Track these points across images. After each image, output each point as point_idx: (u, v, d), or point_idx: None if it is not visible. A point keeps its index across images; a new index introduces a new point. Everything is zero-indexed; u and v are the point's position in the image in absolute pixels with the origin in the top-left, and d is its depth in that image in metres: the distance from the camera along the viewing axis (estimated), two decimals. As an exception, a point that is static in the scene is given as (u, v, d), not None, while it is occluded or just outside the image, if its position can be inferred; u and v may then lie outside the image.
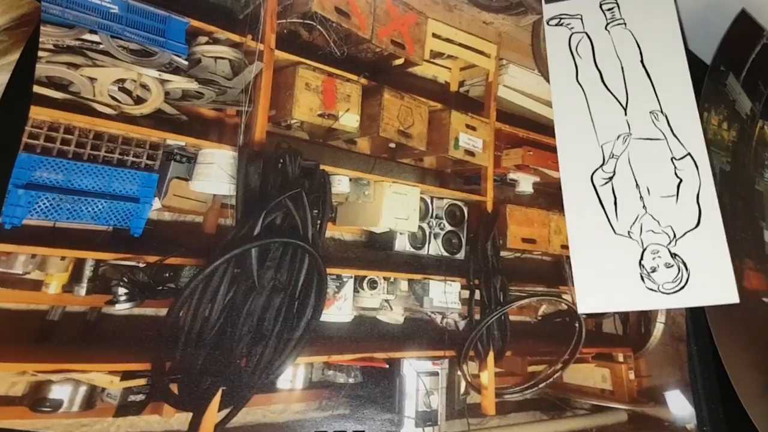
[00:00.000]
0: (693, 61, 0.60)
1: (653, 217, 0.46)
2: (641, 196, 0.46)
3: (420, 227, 0.52)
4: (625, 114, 0.49)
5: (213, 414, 0.44)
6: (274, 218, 0.49)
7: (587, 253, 0.45)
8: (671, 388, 0.49)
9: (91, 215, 0.47)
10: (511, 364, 0.49)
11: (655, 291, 0.44)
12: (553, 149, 0.55)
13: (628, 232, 0.46)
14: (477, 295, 0.50)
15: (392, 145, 0.53)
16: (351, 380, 0.47)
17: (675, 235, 0.45)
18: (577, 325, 0.51)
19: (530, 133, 0.55)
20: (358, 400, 0.46)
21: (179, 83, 0.52)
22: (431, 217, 0.52)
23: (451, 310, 0.49)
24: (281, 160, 0.50)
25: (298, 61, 0.52)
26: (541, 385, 0.49)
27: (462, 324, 0.49)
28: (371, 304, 0.49)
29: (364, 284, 0.49)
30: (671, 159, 0.47)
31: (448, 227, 0.52)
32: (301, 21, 0.53)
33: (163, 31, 0.52)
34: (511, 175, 0.54)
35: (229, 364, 0.45)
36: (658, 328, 0.51)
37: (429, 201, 0.52)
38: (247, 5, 0.52)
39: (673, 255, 0.45)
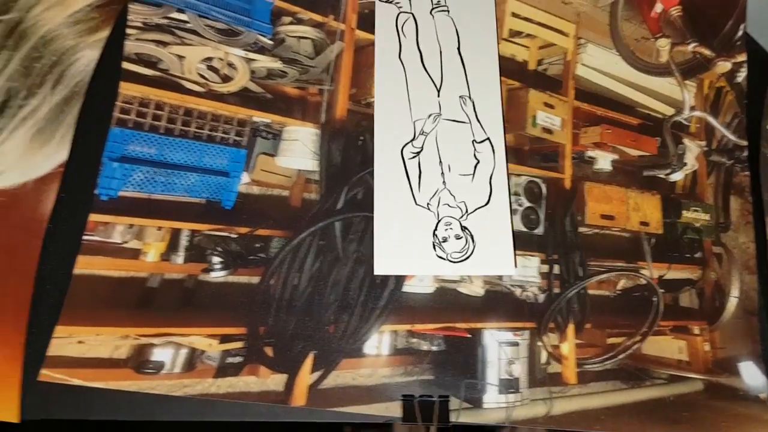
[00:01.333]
0: (756, 48, 0.60)
1: (450, 192, 0.49)
2: (442, 172, 0.49)
3: (499, 202, 0.53)
4: (438, 95, 0.51)
5: (306, 376, 0.46)
6: (356, 193, 0.51)
7: (389, 219, 0.48)
8: (744, 360, 0.50)
9: (184, 188, 0.50)
10: (590, 336, 0.50)
11: (444, 259, 0.47)
12: (631, 128, 0.56)
13: (427, 204, 0.49)
14: (556, 269, 0.52)
15: (470, 123, 0.54)
16: (434, 348, 0.48)
17: (467, 210, 0.48)
18: (655, 299, 0.52)
19: (609, 111, 0.56)
20: (442, 367, 0.48)
21: (264, 62, 0.53)
22: (510, 193, 0.53)
23: (530, 284, 0.51)
24: (361, 138, 0.52)
25: (377, 41, 0.54)
26: (620, 356, 0.50)
27: (542, 297, 0.51)
28: (451, 276, 0.50)
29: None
30: (472, 141, 0.50)
31: (527, 203, 0.53)
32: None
33: (249, 11, 0.54)
34: (590, 153, 0.55)
35: (318, 330, 0.47)
36: (732, 302, 0.52)
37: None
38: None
39: (464, 228, 0.48)
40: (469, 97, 0.51)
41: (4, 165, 0.47)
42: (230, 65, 0.53)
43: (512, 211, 0.52)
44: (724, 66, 0.57)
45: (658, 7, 0.57)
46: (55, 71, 0.50)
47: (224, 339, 0.47)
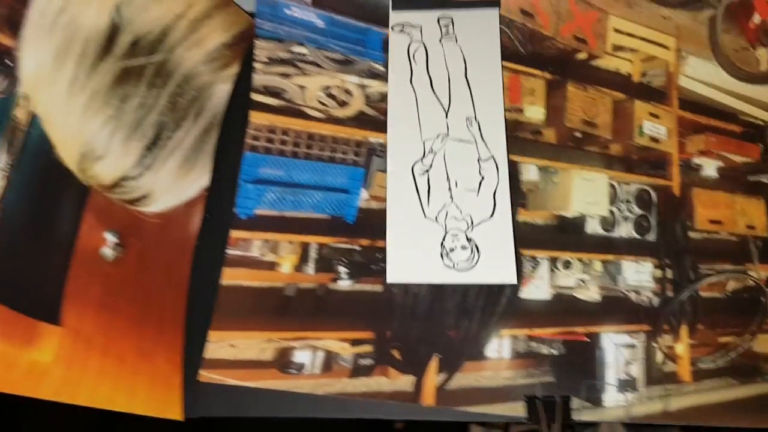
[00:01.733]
0: None
1: (457, 206, 0.51)
2: (450, 188, 0.52)
3: (610, 211, 0.55)
4: (446, 117, 0.54)
5: (432, 377, 0.49)
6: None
7: (401, 231, 0.51)
8: None
9: (310, 205, 0.54)
10: (703, 336, 0.52)
11: (450, 268, 0.50)
12: (735, 135, 0.58)
13: (436, 217, 0.51)
14: (669, 273, 0.53)
15: (578, 134, 0.57)
16: (554, 351, 0.51)
17: (472, 223, 0.51)
18: (763, 299, 0.53)
19: (712, 120, 0.58)
20: (562, 370, 0.50)
21: (377, 87, 0.57)
22: (620, 201, 0.55)
23: (644, 288, 0.53)
24: (466, 152, 0.55)
25: (485, 62, 0.57)
26: (732, 355, 0.51)
27: (656, 300, 0.53)
28: (567, 283, 0.53)
29: (559, 264, 0.53)
30: (477, 159, 0.53)
31: (638, 210, 0.55)
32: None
33: (363, 42, 0.58)
34: (696, 160, 0.57)
35: (440, 334, 0.51)
36: None
37: (617, 186, 0.56)
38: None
39: (469, 239, 0.50)
40: (475, 119, 0.54)
41: (159, 191, 0.52)
42: (346, 92, 0.57)
43: (623, 218, 0.55)
44: (827, 73, 0.58)
45: (756, 18, 0.58)
46: (196, 105, 0.56)
47: (355, 342, 0.50)
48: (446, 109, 0.55)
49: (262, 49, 0.57)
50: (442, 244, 0.51)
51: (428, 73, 0.56)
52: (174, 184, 0.54)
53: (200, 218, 0.54)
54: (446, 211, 0.52)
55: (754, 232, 0.56)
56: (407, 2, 0.57)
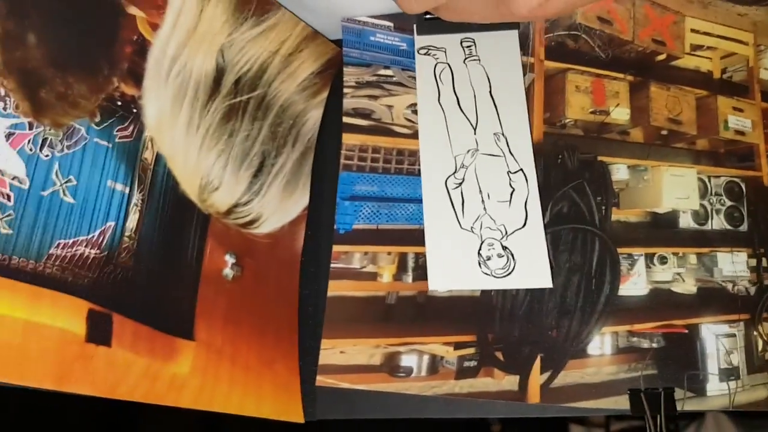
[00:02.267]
0: None
1: (491, 217, 0.53)
2: (483, 200, 0.53)
3: (701, 205, 0.56)
4: (475, 133, 0.55)
5: (536, 376, 0.51)
6: (561, 207, 0.56)
7: (439, 242, 0.53)
8: None
9: (404, 217, 0.57)
10: (807, 324, 0.52)
11: (489, 275, 0.51)
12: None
13: (471, 227, 0.52)
14: (764, 262, 0.53)
15: (664, 132, 0.58)
16: (654, 345, 0.52)
17: (506, 232, 0.52)
18: None
19: (796, 109, 0.58)
20: (664, 362, 0.51)
21: (460, 101, 0.60)
22: (710, 194, 0.56)
23: (740, 278, 0.53)
24: (560, 156, 0.57)
25: (567, 68, 0.59)
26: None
27: (753, 290, 0.53)
28: (664, 278, 0.54)
29: (655, 260, 0.54)
30: (507, 172, 0.54)
31: (729, 202, 0.56)
32: (567, 33, 0.60)
33: (444, 59, 0.61)
34: (785, 150, 0.57)
35: (541, 334, 0.52)
36: None
37: (706, 180, 0.56)
38: (518, 27, 0.60)
39: (504, 248, 0.51)
40: (503, 134, 0.56)
41: (267, 213, 0.57)
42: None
43: (715, 211, 0.55)
44: None
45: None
46: (293, 132, 0.60)
47: (458, 346, 0.53)
48: (474, 126, 0.57)
49: (351, 75, 0.61)
50: (479, 252, 0.53)
51: (455, 92, 0.58)
52: (279, 207, 0.58)
53: (304, 236, 0.58)
54: (481, 222, 0.54)
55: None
56: (431, 27, 0.60)
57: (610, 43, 0.59)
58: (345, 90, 0.61)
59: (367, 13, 0.61)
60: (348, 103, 0.60)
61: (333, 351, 0.53)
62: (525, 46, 0.60)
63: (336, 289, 0.55)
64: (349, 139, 0.59)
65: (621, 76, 0.59)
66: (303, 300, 0.56)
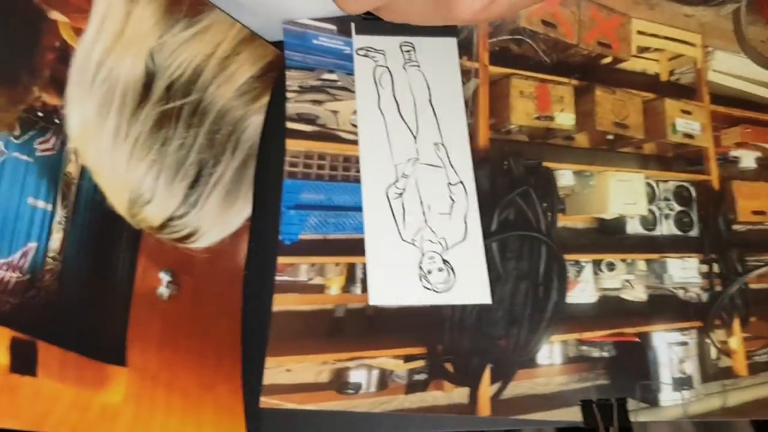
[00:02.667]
0: None
1: (431, 230, 0.51)
2: (423, 212, 0.52)
3: (649, 210, 0.55)
4: (415, 142, 0.54)
5: (486, 388, 0.50)
6: (507, 214, 0.54)
7: (379, 254, 0.51)
8: None
9: (353, 226, 0.55)
10: (757, 328, 0.52)
11: (429, 289, 0.50)
12: (769, 124, 0.58)
13: (412, 239, 0.51)
14: (715, 268, 0.53)
15: (610, 136, 0.57)
16: (606, 354, 0.51)
17: (447, 246, 0.51)
18: (818, 287, 0.53)
19: (745, 111, 0.58)
20: (616, 372, 0.51)
21: (407, 105, 0.58)
22: (659, 199, 0.56)
23: (691, 284, 0.53)
24: (506, 162, 0.56)
25: (511, 73, 0.58)
26: (789, 346, 0.51)
27: (705, 296, 0.53)
28: (612, 285, 0.53)
29: (603, 267, 0.54)
30: (448, 184, 0.52)
31: (678, 207, 0.56)
32: (511, 37, 0.59)
33: (390, 62, 0.59)
34: (733, 153, 0.57)
35: (491, 344, 0.51)
36: None
37: (655, 184, 0.56)
38: (461, 31, 0.58)
39: (445, 261, 0.50)
40: (442, 144, 0.55)
41: (205, 226, 0.54)
42: (378, 113, 0.58)
43: (664, 216, 0.55)
44: None
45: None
46: (232, 139, 0.57)
47: (408, 359, 0.51)
48: (415, 134, 0.55)
49: (294, 79, 0.58)
50: (419, 266, 0.52)
51: (395, 97, 0.56)
52: (219, 218, 0.55)
53: (246, 248, 0.56)
54: (422, 234, 0.52)
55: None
56: (370, 28, 0.58)
57: (555, 47, 0.58)
58: (288, 95, 0.58)
59: (308, 15, 0.59)
60: (291, 108, 0.58)
61: (278, 369, 0.50)
62: (469, 51, 0.58)
63: (281, 303, 0.52)
64: (293, 145, 0.57)
65: (566, 80, 0.58)
66: (246, 317, 0.54)
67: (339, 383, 0.51)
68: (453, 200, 0.54)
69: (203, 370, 0.50)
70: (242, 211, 0.57)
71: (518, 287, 0.53)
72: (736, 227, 0.55)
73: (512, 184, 0.55)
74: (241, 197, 0.57)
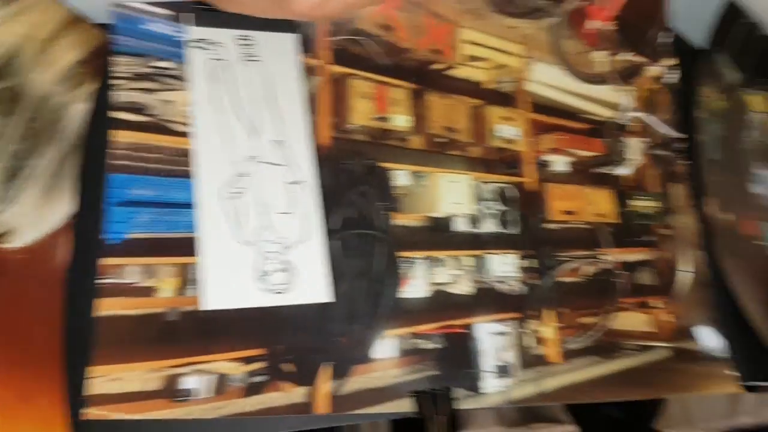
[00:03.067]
0: (685, 45, 0.69)
1: (271, 230, 0.53)
2: (263, 211, 0.53)
3: (475, 209, 0.59)
4: (255, 139, 0.55)
5: (325, 385, 0.51)
6: (347, 213, 0.56)
7: (215, 257, 0.51)
8: (701, 325, 0.58)
9: (187, 224, 0.53)
10: (567, 318, 0.57)
11: (268, 291, 0.51)
12: (581, 132, 0.64)
13: (251, 241, 0.52)
14: (531, 263, 0.58)
15: (441, 139, 0.60)
16: (436, 346, 0.54)
17: (287, 246, 0.52)
18: (617, 280, 0.59)
19: (559, 119, 0.63)
20: (444, 362, 0.54)
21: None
22: (483, 199, 0.59)
23: (510, 278, 0.57)
24: (346, 162, 0.57)
25: (351, 73, 0.59)
26: (594, 334, 0.57)
27: (522, 289, 0.57)
28: (442, 279, 0.56)
29: (433, 263, 0.56)
30: (288, 182, 0.54)
31: (499, 207, 0.60)
32: (350, 38, 0.59)
33: (227, 55, 0.57)
34: (547, 157, 0.62)
35: (330, 342, 0.52)
36: (684, 276, 0.60)
37: (479, 186, 0.60)
38: (301, 27, 0.58)
39: (284, 262, 0.52)
40: (283, 142, 0.55)
41: (22, 224, 0.49)
42: (214, 106, 0.56)
43: (487, 215, 0.59)
44: (655, 70, 0.65)
45: (593, 23, 0.64)
46: (53, 129, 0.53)
47: (247, 361, 0.51)
48: (254, 132, 0.55)
49: (121, 65, 0.55)
50: (258, 267, 0.52)
51: (232, 93, 0.56)
52: (37, 216, 0.51)
53: (69, 248, 0.51)
54: (260, 235, 0.53)
55: (603, 219, 0.62)
56: (207, 19, 0.56)
57: (392, 50, 0.60)
58: (115, 82, 0.55)
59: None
60: (118, 96, 0.54)
61: (104, 379, 0.47)
62: (310, 50, 0.59)
63: (107, 308, 0.49)
64: (122, 136, 0.53)
65: (402, 83, 0.60)
66: (68, 323, 0.50)
67: (171, 390, 0.49)
68: (293, 199, 0.54)
69: (22, 381, 0.46)
70: (64, 207, 0.53)
71: (357, 285, 0.54)
72: (549, 225, 0.60)
73: (352, 183, 0.56)
74: (64, 192, 0.53)
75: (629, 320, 0.58)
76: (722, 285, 0.60)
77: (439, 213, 0.58)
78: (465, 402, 0.53)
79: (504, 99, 0.63)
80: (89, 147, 0.55)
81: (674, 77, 0.65)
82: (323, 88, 0.58)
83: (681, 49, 0.67)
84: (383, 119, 0.59)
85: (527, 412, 0.70)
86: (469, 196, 0.59)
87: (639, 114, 0.65)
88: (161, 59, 0.56)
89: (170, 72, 0.56)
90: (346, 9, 0.44)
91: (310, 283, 0.52)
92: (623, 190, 0.64)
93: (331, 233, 0.54)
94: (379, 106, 0.59)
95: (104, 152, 0.53)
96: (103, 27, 0.57)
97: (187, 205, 0.53)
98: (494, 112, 0.62)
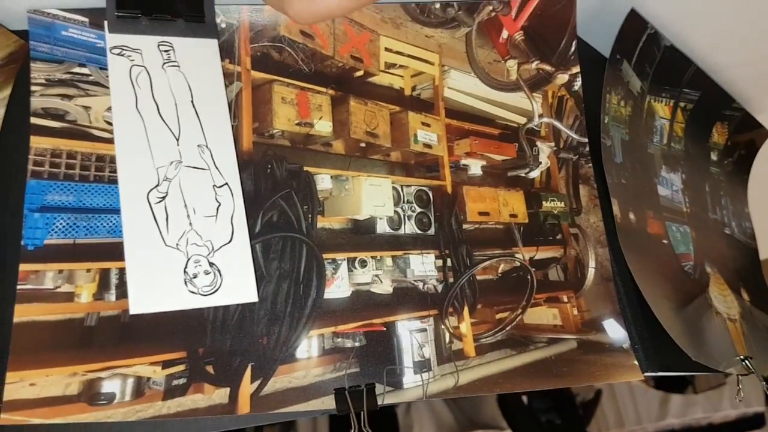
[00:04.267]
0: (592, 53, 0.73)
1: (197, 233, 0.54)
2: (188, 215, 0.54)
3: (395, 211, 0.61)
4: (178, 144, 0.55)
5: (247, 386, 0.52)
6: (271, 216, 0.57)
7: (140, 260, 0.52)
8: (607, 318, 0.62)
9: (107, 230, 0.53)
10: (482, 314, 0.60)
11: (195, 293, 0.52)
12: (494, 137, 0.67)
13: (177, 244, 0.53)
14: (449, 262, 0.61)
15: (363, 144, 0.62)
16: (357, 344, 0.56)
17: (213, 248, 0.54)
18: (529, 277, 0.62)
19: (474, 125, 0.66)
20: (365, 359, 0.55)
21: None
22: (403, 202, 0.62)
23: (429, 277, 0.59)
24: (269, 166, 0.58)
25: (273, 79, 0.60)
26: (507, 328, 0.60)
27: (440, 287, 0.59)
28: (364, 280, 0.58)
29: (356, 264, 0.58)
30: (213, 186, 0.55)
31: (418, 209, 0.62)
32: (272, 44, 0.61)
33: (147, 60, 0.58)
34: (463, 161, 0.65)
35: (252, 343, 0.53)
36: (591, 272, 0.64)
37: (400, 189, 0.62)
38: (222, 33, 0.59)
39: (211, 264, 0.53)
40: (207, 146, 0.56)
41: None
42: (135, 112, 0.56)
43: (407, 217, 0.61)
44: (563, 78, 0.68)
45: (504, 34, 0.68)
46: (-33, 135, 0.52)
47: (167, 364, 0.51)
48: (177, 136, 0.55)
49: (39, 71, 0.55)
50: (185, 270, 0.52)
51: (154, 98, 0.56)
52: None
53: (-16, 256, 0.51)
54: (186, 238, 0.53)
55: (516, 219, 0.65)
56: (125, 26, 0.56)
57: (313, 57, 0.61)
58: (32, 88, 0.54)
59: (57, 5, 0.55)
60: (36, 102, 0.54)
61: (21, 384, 0.47)
62: (231, 55, 0.59)
63: (24, 314, 0.49)
64: (38, 142, 0.53)
65: (323, 89, 0.61)
66: (-17, 329, 0.49)
67: (90, 394, 0.49)
68: (219, 202, 0.55)
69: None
70: (-22, 214, 0.52)
71: (280, 286, 0.55)
72: (465, 226, 0.63)
73: (275, 187, 0.57)
74: (-23, 199, 0.52)
75: (539, 315, 0.61)
76: (627, 280, 0.64)
77: (362, 215, 0.60)
78: (387, 397, 0.54)
79: (423, 105, 0.65)
80: (6, 153, 0.54)
81: (579, 85, 0.69)
82: (245, 93, 0.59)
83: (589, 57, 0.71)
84: (306, 124, 0.60)
85: (466, 418, 0.72)
86: (390, 199, 0.61)
87: (547, 120, 0.68)
88: (80, 65, 0.56)
89: (89, 78, 0.56)
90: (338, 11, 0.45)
91: (236, 284, 0.53)
92: (533, 192, 0.67)
93: (255, 236, 0.55)
94: (301, 111, 0.60)
95: (21, 158, 0.52)
96: (19, 34, 0.56)
97: (105, 210, 0.53)
98: (414, 117, 0.64)
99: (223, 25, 0.59)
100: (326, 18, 0.48)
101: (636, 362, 0.60)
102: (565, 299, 0.63)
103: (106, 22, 0.55)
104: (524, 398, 1.37)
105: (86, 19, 0.56)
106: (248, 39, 0.60)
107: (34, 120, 0.53)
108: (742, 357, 0.66)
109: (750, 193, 0.92)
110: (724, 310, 0.71)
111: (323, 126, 0.61)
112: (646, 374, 0.61)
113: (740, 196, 0.91)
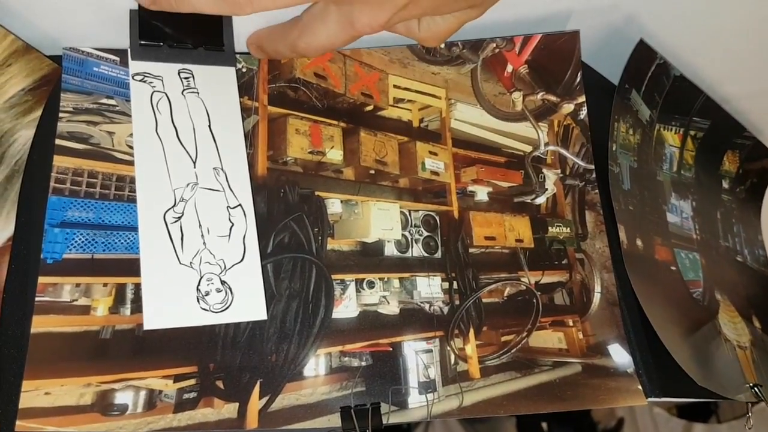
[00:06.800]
0: (599, 80, 0.75)
1: (210, 252, 0.55)
2: (202, 235, 0.56)
3: (403, 235, 0.63)
4: (195, 167, 0.58)
5: (255, 402, 0.53)
6: (282, 238, 0.59)
7: (156, 279, 0.53)
8: (612, 343, 0.62)
9: (124, 246, 0.55)
10: (488, 336, 0.61)
11: (207, 310, 0.54)
12: (500, 165, 0.69)
13: (190, 263, 0.55)
14: (455, 285, 0.62)
15: (372, 171, 0.64)
16: (363, 363, 0.57)
17: (225, 267, 0.55)
18: (534, 301, 0.63)
19: (480, 153, 0.68)
20: (371, 379, 0.56)
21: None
22: (411, 226, 0.63)
23: (436, 299, 0.61)
24: (282, 190, 0.60)
25: (288, 113, 0.63)
26: (512, 351, 0.61)
27: (446, 309, 0.61)
28: (371, 301, 0.59)
29: (364, 285, 0.60)
30: (227, 207, 0.57)
31: (425, 233, 0.64)
32: (288, 84, 0.64)
33: (169, 93, 0.61)
34: (470, 188, 0.67)
35: (262, 360, 0.54)
36: (596, 297, 0.64)
37: (407, 213, 0.64)
38: (243, 75, 0.62)
39: (223, 282, 0.55)
40: (222, 169, 0.58)
41: (-41, 245, 0.51)
42: (157, 138, 0.59)
43: (414, 241, 0.63)
44: (568, 108, 0.70)
45: (509, 68, 0.70)
46: (-1, 155, 0.55)
47: (178, 378, 0.52)
48: (194, 159, 0.58)
49: (68, 100, 0.58)
50: (197, 288, 0.54)
51: (173, 123, 0.58)
52: (-24, 238, 0.52)
53: (6, 270, 0.53)
54: (200, 257, 0.55)
55: (522, 244, 0.66)
56: (147, 54, 0.59)
57: (326, 95, 0.65)
58: (61, 114, 0.57)
59: (93, 44, 0.59)
60: (63, 126, 0.57)
61: (36, 393, 0.49)
62: (250, 93, 0.62)
63: (41, 325, 0.51)
64: (62, 161, 0.55)
65: (335, 122, 0.64)
66: (5, 342, 0.51)
67: (103, 405, 0.50)
68: (232, 222, 0.57)
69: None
70: (4, 230, 0.54)
71: (290, 306, 0.57)
72: (472, 250, 0.64)
73: (287, 210, 0.60)
74: (4, 216, 0.55)
75: (544, 338, 0.62)
76: (632, 305, 0.65)
77: (370, 238, 0.62)
78: (392, 416, 0.55)
79: (430, 135, 0.68)
80: (31, 171, 0.57)
81: (584, 114, 0.70)
82: (261, 125, 0.62)
83: (597, 84, 0.73)
84: (318, 153, 0.62)
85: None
86: (397, 223, 0.63)
87: (553, 148, 0.70)
88: (108, 96, 0.59)
89: (115, 108, 0.59)
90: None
91: (246, 303, 0.55)
92: (539, 217, 0.68)
93: (267, 256, 0.57)
94: (314, 141, 0.63)
95: (45, 177, 0.55)
96: (52, 58, 0.59)
97: (123, 228, 0.56)
98: (422, 147, 0.66)
99: (244, 70, 0.63)
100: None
101: (640, 387, 0.60)
102: (571, 323, 0.63)
103: (129, 50, 0.59)
104: (544, 425, 1.35)
105: (117, 58, 0.60)
106: (266, 80, 0.63)
107: (59, 141, 0.56)
108: (751, 384, 0.65)
109: (763, 221, 0.92)
110: (734, 338, 0.71)
111: (334, 154, 0.63)
112: (650, 399, 0.61)
113: (753, 223, 0.91)
